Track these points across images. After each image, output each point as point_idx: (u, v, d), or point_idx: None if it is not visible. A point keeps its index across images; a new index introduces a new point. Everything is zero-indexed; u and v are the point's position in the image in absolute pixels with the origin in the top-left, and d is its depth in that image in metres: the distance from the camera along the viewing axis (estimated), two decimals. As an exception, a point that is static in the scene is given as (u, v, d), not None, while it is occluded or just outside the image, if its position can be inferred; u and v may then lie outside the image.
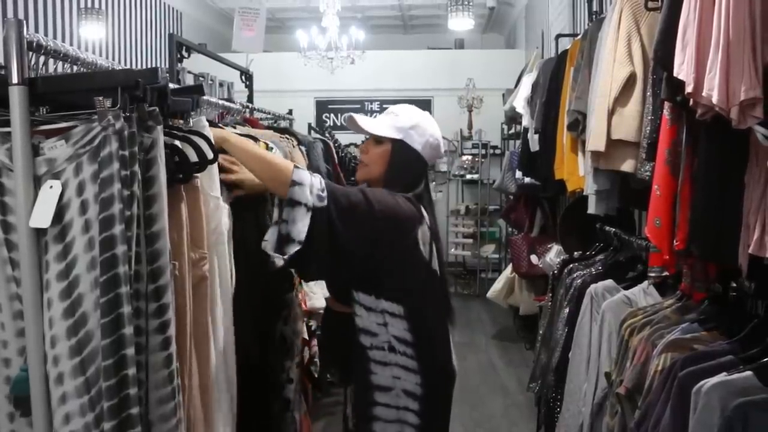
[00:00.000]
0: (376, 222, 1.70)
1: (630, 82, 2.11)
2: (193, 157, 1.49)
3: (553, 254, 3.79)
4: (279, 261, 1.61)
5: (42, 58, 1.36)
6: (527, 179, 4.28)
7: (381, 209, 1.71)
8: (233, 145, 1.70)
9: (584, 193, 2.51)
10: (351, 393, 1.92)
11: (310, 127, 5.10)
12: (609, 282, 2.33)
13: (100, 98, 1.25)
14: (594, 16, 3.44)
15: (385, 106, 8.22)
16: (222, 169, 1.71)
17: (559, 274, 2.84)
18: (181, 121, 1.61)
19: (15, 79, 1.24)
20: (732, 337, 1.52)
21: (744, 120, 1.19)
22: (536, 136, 3.46)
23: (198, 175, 1.51)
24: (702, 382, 1.33)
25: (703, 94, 1.25)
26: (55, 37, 5.27)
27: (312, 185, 1.65)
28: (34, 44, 1.28)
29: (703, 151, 1.51)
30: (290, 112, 4.23)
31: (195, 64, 3.74)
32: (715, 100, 1.20)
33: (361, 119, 1.89)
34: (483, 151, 7.65)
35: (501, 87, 6.38)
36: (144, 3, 6.89)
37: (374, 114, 6.99)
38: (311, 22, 7.19)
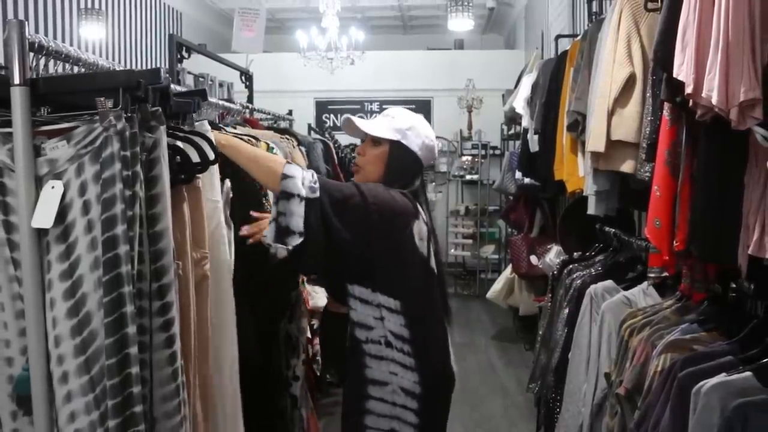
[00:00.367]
0: (370, 215, 1.71)
1: (630, 82, 2.11)
2: (195, 157, 1.50)
3: (553, 255, 3.79)
4: (282, 252, 1.64)
5: (43, 59, 1.37)
6: (527, 180, 4.28)
7: (374, 202, 1.72)
8: (224, 145, 1.73)
9: (584, 194, 2.52)
10: (344, 388, 1.92)
11: (309, 127, 5.10)
12: (609, 282, 2.33)
13: (102, 99, 1.26)
14: (594, 17, 3.44)
15: (385, 106, 8.20)
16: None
17: (559, 275, 2.85)
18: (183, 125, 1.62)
19: (17, 80, 1.25)
20: (731, 338, 1.52)
21: (743, 121, 1.19)
22: (536, 137, 3.47)
23: (199, 176, 1.52)
24: (701, 383, 1.33)
25: (703, 94, 1.25)
26: (55, 38, 5.28)
27: (304, 178, 1.68)
28: (36, 45, 1.29)
29: (702, 152, 1.51)
30: (290, 112, 4.23)
31: (195, 64, 3.74)
32: (714, 100, 1.20)
33: (359, 121, 1.91)
34: (483, 152, 7.65)
35: (501, 87, 6.38)
36: (144, 3, 6.89)
37: (374, 114, 6.99)
38: (311, 22, 7.19)
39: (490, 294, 5.36)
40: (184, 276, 1.42)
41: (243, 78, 3.94)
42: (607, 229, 2.65)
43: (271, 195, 2.05)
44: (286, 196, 1.65)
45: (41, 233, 1.28)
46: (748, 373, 1.33)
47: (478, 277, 7.33)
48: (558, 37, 4.31)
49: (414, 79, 8.17)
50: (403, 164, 1.88)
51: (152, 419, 1.31)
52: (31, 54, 1.29)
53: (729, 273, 1.62)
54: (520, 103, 4.20)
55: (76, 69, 1.48)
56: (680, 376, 1.42)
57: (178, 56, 3.01)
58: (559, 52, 3.60)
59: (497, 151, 7.60)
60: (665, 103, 1.64)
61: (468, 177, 7.77)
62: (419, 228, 1.81)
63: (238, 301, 1.70)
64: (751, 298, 1.58)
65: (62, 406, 1.27)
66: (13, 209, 1.30)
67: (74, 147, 1.28)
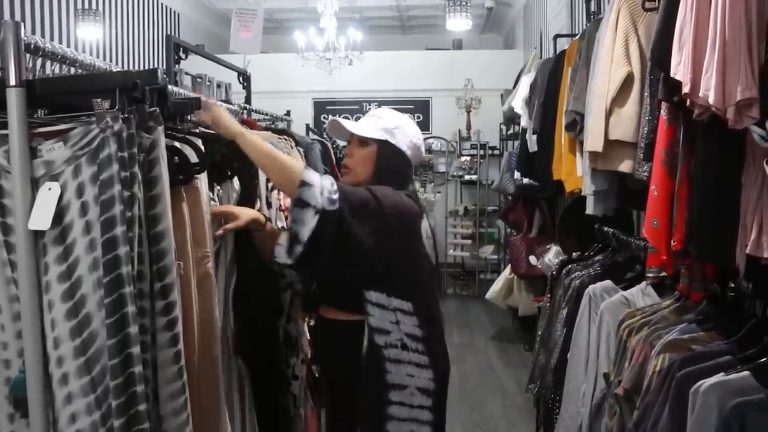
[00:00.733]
0: (387, 218, 1.74)
1: (627, 82, 2.11)
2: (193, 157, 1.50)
3: (552, 255, 3.79)
4: (286, 260, 1.68)
5: (39, 60, 1.36)
6: (526, 180, 4.28)
7: (389, 205, 1.75)
8: (246, 140, 1.73)
9: (582, 194, 2.52)
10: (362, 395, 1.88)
11: (308, 128, 5.10)
12: (607, 282, 2.33)
13: (99, 100, 1.26)
14: (592, 17, 3.44)
15: (383, 106, 8.24)
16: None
17: (558, 275, 2.85)
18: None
19: (12, 81, 1.25)
20: (730, 338, 1.52)
21: (740, 120, 1.19)
22: (534, 137, 3.46)
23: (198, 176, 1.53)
24: (700, 383, 1.33)
25: (700, 94, 1.25)
26: (52, 39, 5.28)
27: (323, 187, 1.68)
28: (32, 46, 1.29)
29: (700, 152, 1.51)
30: (288, 113, 4.23)
31: (192, 65, 3.74)
32: (711, 100, 1.20)
33: (346, 122, 1.92)
34: (481, 152, 7.65)
35: (499, 87, 6.38)
36: (141, 4, 6.88)
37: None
38: (309, 22, 7.19)
39: (489, 294, 5.36)
40: (186, 276, 1.44)
41: (241, 79, 3.93)
42: (605, 229, 2.65)
43: (266, 197, 2.06)
44: (301, 204, 1.66)
45: (38, 235, 1.28)
46: (746, 373, 1.32)
47: (477, 277, 7.33)
48: (556, 36, 4.31)
49: (412, 79, 8.17)
50: (393, 163, 1.90)
51: (159, 418, 1.33)
52: (28, 55, 1.29)
53: (727, 272, 1.62)
54: (518, 102, 4.19)
55: (72, 70, 1.48)
56: (678, 376, 1.42)
57: (176, 57, 3.01)
58: (557, 52, 3.60)
59: (496, 151, 7.60)
60: (663, 102, 1.64)
61: (467, 177, 7.78)
62: (425, 227, 1.86)
63: (235, 300, 1.71)
64: (749, 298, 1.58)
65: (62, 407, 1.28)
66: (9, 211, 1.30)
67: (71, 148, 1.28)
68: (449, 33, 7.85)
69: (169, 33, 7.31)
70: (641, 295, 2.12)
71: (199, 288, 1.50)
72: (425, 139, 8.01)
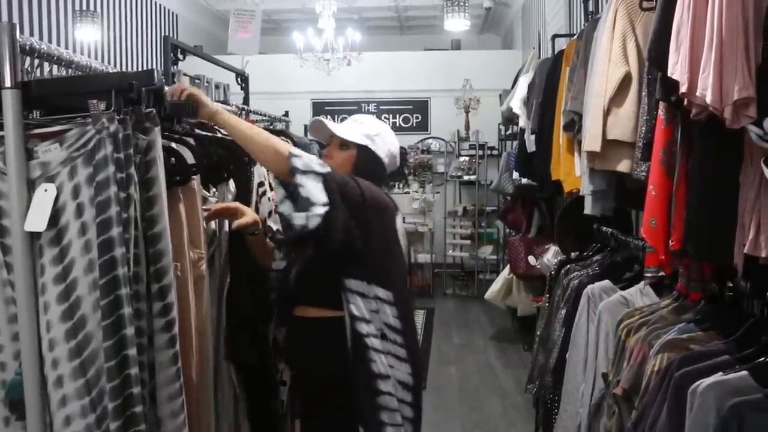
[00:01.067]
0: (365, 202, 1.78)
1: (625, 82, 2.11)
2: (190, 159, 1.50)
3: (551, 255, 3.78)
4: (315, 219, 1.64)
5: (36, 62, 1.36)
6: (524, 180, 4.28)
7: (369, 195, 1.81)
8: (225, 117, 1.74)
9: (581, 194, 2.51)
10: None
11: (306, 128, 5.10)
12: (606, 282, 2.33)
13: (94, 101, 1.26)
14: (590, 17, 3.44)
15: (382, 107, 8.24)
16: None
17: (557, 275, 2.84)
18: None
19: (8, 83, 1.25)
20: (728, 337, 1.52)
21: (738, 120, 1.19)
22: (533, 137, 3.46)
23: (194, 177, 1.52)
24: (698, 382, 1.33)
25: (697, 93, 1.25)
26: (49, 40, 5.27)
27: (310, 158, 1.74)
28: (27, 47, 1.29)
29: (697, 151, 1.51)
30: (286, 113, 4.23)
31: (191, 66, 3.74)
32: (708, 99, 1.20)
33: (330, 124, 1.97)
34: (480, 152, 7.64)
35: (498, 88, 6.38)
36: (139, 5, 6.88)
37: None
38: (307, 23, 7.18)
39: (488, 295, 5.35)
40: (183, 277, 1.43)
41: (239, 80, 3.93)
42: (604, 228, 2.65)
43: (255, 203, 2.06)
44: (300, 171, 1.69)
45: (34, 236, 1.28)
46: (744, 373, 1.32)
47: (477, 277, 7.32)
48: (555, 36, 4.31)
49: (411, 79, 8.16)
50: (370, 168, 1.94)
51: (157, 419, 1.33)
52: (23, 56, 1.29)
53: (725, 272, 1.62)
54: (517, 103, 4.19)
55: (69, 71, 1.48)
56: (677, 376, 1.41)
57: (174, 58, 3.01)
58: (555, 52, 3.60)
59: (495, 152, 7.60)
60: (660, 102, 1.64)
61: (466, 177, 7.76)
62: (400, 223, 1.94)
63: (227, 304, 1.70)
64: (747, 297, 1.58)
65: (57, 410, 1.27)
66: (5, 213, 1.30)
67: (67, 150, 1.28)
68: (447, 33, 7.84)
69: (167, 34, 7.30)
70: (640, 294, 2.12)
71: (194, 289, 1.50)
72: (424, 139, 8.03)
